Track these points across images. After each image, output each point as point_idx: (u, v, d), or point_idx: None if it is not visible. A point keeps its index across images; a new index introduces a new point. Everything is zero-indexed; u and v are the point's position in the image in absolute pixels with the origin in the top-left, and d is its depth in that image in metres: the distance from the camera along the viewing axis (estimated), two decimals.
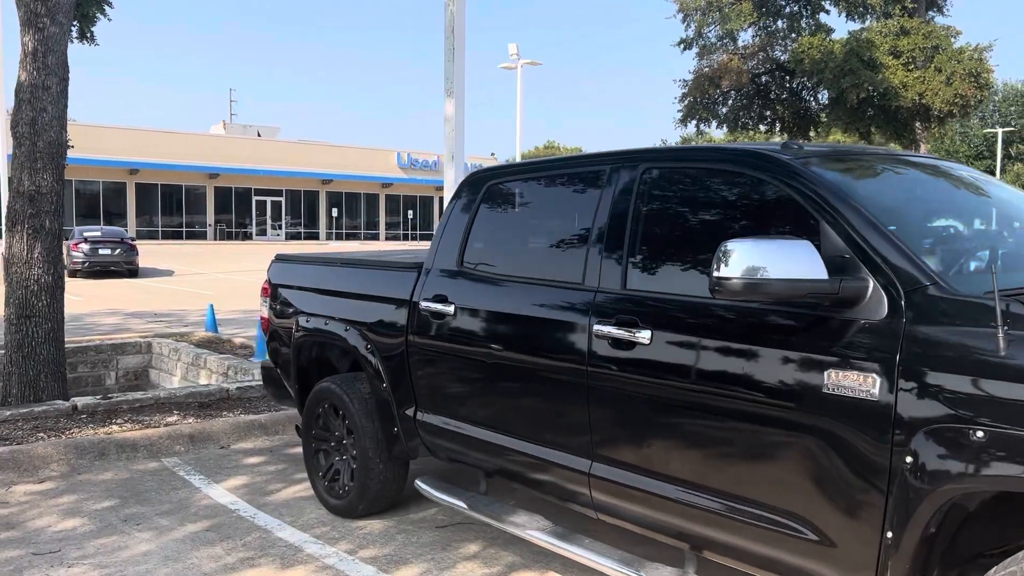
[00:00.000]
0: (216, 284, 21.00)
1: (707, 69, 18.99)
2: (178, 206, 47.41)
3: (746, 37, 19.83)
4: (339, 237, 52.14)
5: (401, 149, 54.13)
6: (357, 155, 52.42)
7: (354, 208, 53.72)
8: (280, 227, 50.92)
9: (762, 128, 20.00)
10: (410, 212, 55.65)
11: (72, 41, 7.90)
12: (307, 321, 4.75)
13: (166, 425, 6.20)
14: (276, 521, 4.55)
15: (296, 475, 5.35)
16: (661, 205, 3.12)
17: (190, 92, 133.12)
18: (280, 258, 5.33)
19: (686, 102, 19.66)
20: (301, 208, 51.82)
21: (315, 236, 51.76)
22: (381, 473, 4.34)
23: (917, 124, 17.61)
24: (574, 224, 3.44)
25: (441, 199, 56.35)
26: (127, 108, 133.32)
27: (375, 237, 53.87)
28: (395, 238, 54.48)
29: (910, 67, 17.27)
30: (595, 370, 3.07)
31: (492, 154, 59.46)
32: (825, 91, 18.07)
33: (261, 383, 7.28)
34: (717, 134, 21.22)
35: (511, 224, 3.82)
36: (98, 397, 6.76)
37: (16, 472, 5.27)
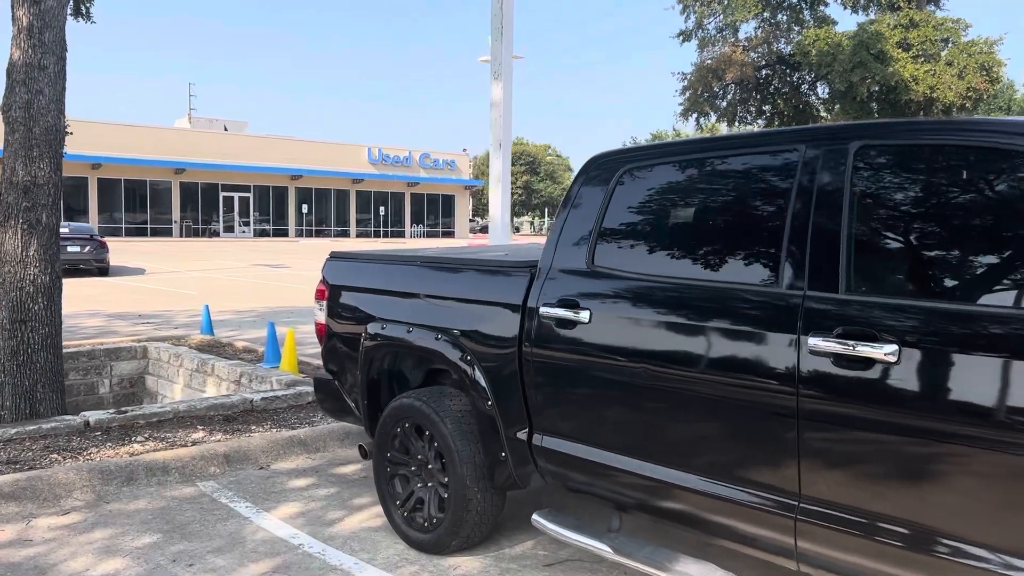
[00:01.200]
0: (194, 283, 20.13)
1: (710, 61, 18.58)
2: (142, 202, 46.00)
3: (748, 29, 19.58)
4: (308, 234, 51.08)
5: (372, 144, 53.22)
6: (327, 150, 51.41)
7: (324, 204, 52.68)
8: (248, 224, 49.72)
9: (760, 123, 19.70)
10: (381, 209, 54.74)
11: (67, 17, 7.19)
12: (382, 328, 4.16)
13: (194, 443, 5.55)
14: (351, 559, 3.96)
15: (355, 500, 4.76)
16: (894, 191, 2.60)
17: (147, 85, 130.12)
18: (338, 256, 4.73)
19: (687, 95, 19.25)
20: (269, 204, 50.66)
21: (284, 233, 50.65)
22: (479, 504, 3.77)
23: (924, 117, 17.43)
24: (754, 215, 2.91)
25: (413, 195, 55.64)
26: (84, 100, 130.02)
27: (345, 234, 52.90)
28: (366, 235, 53.56)
29: (919, 60, 17.08)
30: (809, 394, 2.55)
31: (464, 150, 58.77)
32: (827, 85, 17.83)
33: (288, 395, 6.66)
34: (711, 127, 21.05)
35: (660, 216, 3.27)
36: (111, 411, 6.07)
37: (36, 502, 4.60)
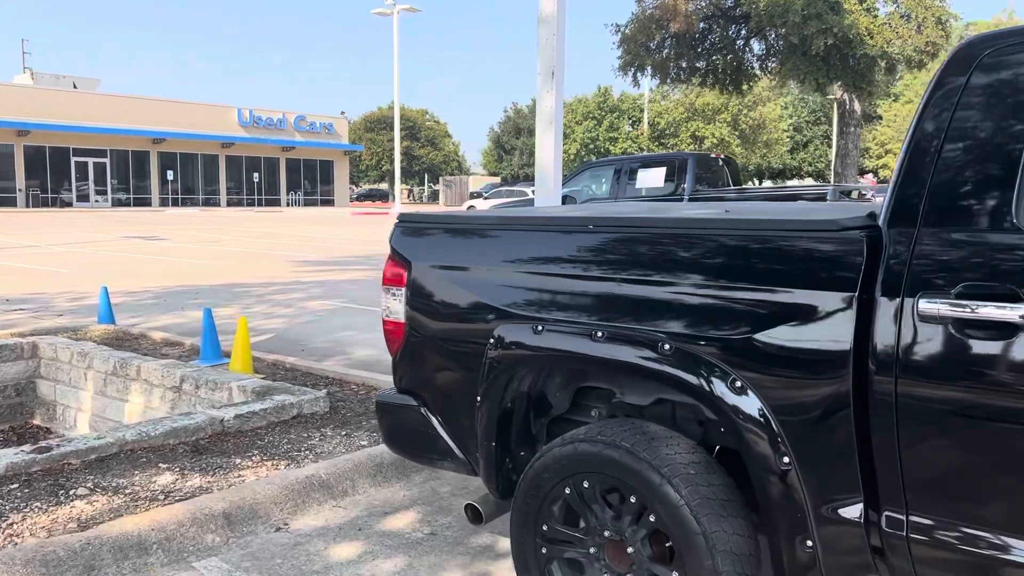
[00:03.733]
0: (63, 259, 17.37)
1: (653, 10, 17.31)
2: None
3: None
4: (174, 203, 47.13)
5: (242, 106, 49.55)
6: (192, 111, 47.42)
7: (191, 170, 48.71)
8: (105, 192, 45.29)
9: (694, 80, 18.71)
10: (255, 175, 51.21)
11: None
12: (536, 331, 2.64)
13: (166, 495, 3.84)
14: None
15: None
16: None
17: None
18: (427, 222, 3.15)
19: (625, 47, 17.89)
20: (129, 170, 46.31)
21: (146, 202, 46.51)
22: None
23: (878, 72, 17.01)
24: None
25: (288, 161, 52.31)
26: None
27: (215, 203, 49.19)
28: (238, 204, 50.02)
29: (874, 13, 16.57)
30: None
31: (342, 113, 55.80)
32: (765, 40, 17.06)
33: (266, 408, 5.02)
34: (649, 84, 19.72)
35: None
36: (26, 449, 4.22)
37: None
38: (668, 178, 11.22)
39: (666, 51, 17.17)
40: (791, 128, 44.36)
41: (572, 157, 37.56)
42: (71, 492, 3.85)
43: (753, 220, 2.33)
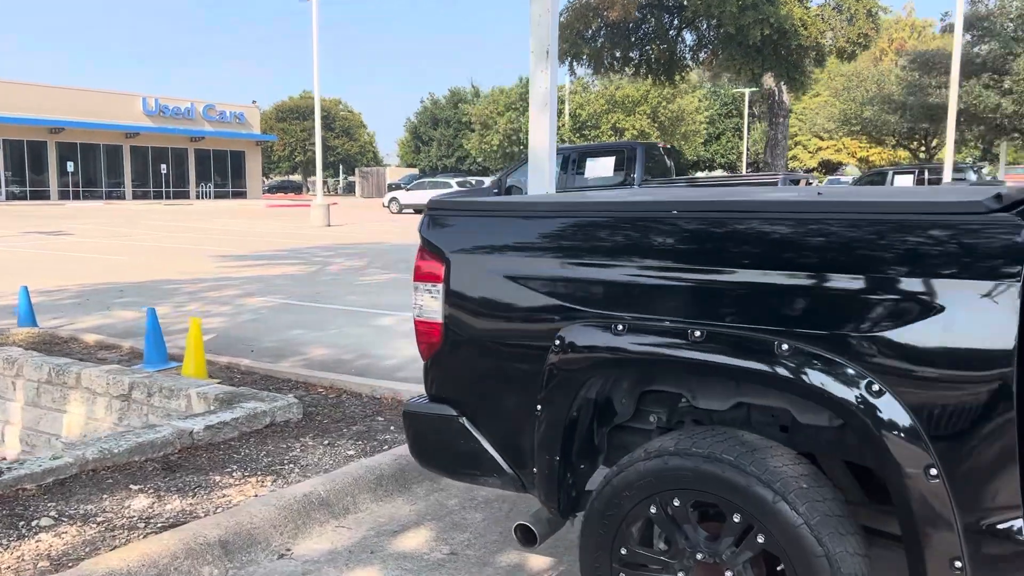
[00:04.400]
0: None
1: None
2: None
3: None
4: (75, 196, 44.72)
5: (148, 94, 47.37)
6: (94, 99, 45.06)
7: (92, 162, 46.30)
8: None
9: (628, 71, 18.59)
10: (162, 167, 49.05)
11: None
12: (616, 331, 2.34)
13: (146, 521, 3.39)
14: None
15: None
16: None
17: None
18: (462, 209, 2.81)
19: (562, 35, 17.63)
20: (24, 162, 43.69)
21: (44, 196, 43.98)
22: None
23: (808, 64, 17.26)
24: None
25: (197, 152, 50.29)
26: None
27: (120, 196, 46.91)
28: (145, 196, 47.85)
29: (807, 4, 16.78)
30: None
31: (253, 102, 54.02)
32: (697, 31, 17.11)
33: (237, 418, 4.59)
34: (583, 73, 19.49)
35: None
36: None
37: None
38: (617, 167, 11.06)
39: (601, 40, 17.04)
40: (706, 121, 45.21)
41: (495, 148, 37.31)
42: (33, 523, 3.36)
43: (889, 203, 2.09)
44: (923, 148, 36.97)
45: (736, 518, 2.20)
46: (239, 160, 53.07)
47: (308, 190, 66.91)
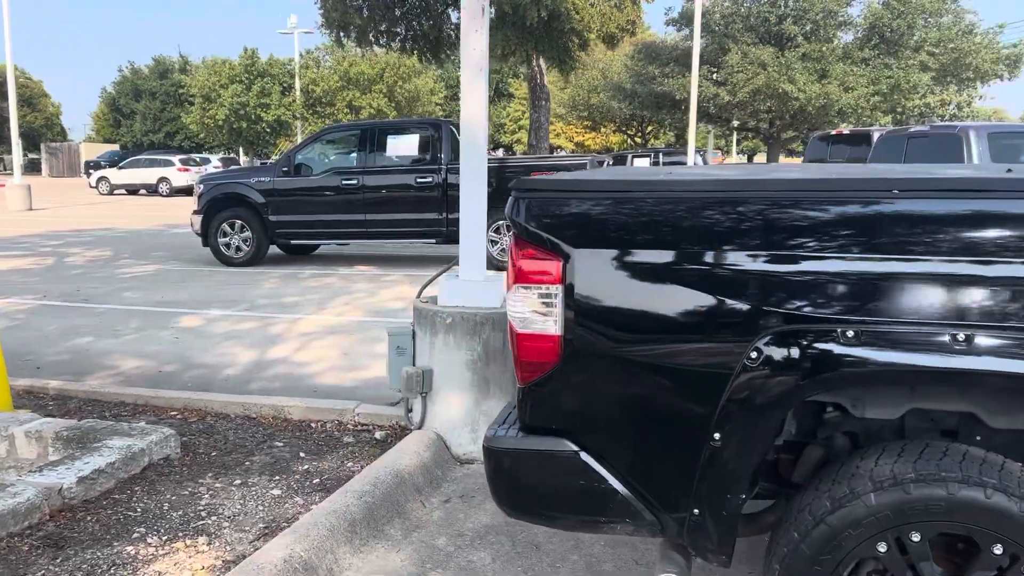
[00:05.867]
0: None
1: None
2: None
3: None
4: None
5: None
6: None
7: None
8: None
9: (394, 46, 17.61)
10: None
11: None
12: (845, 339, 1.92)
13: None
14: None
15: None
16: None
17: None
18: (580, 193, 2.19)
19: (327, 3, 16.07)
20: None
21: None
22: None
23: (573, 48, 17.44)
24: None
25: None
26: None
27: None
28: None
29: None
30: None
31: None
32: (459, 9, 16.56)
33: (115, 462, 3.61)
34: (349, 45, 17.87)
35: None
36: None
37: None
38: (423, 147, 10.45)
39: (367, 12, 16.11)
40: (442, 101, 45.39)
41: (220, 123, 34.46)
42: None
43: None
44: (639, 134, 40.11)
45: (997, 549, 1.90)
46: None
47: (12, 168, 57.54)
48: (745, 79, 24.21)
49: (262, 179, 10.87)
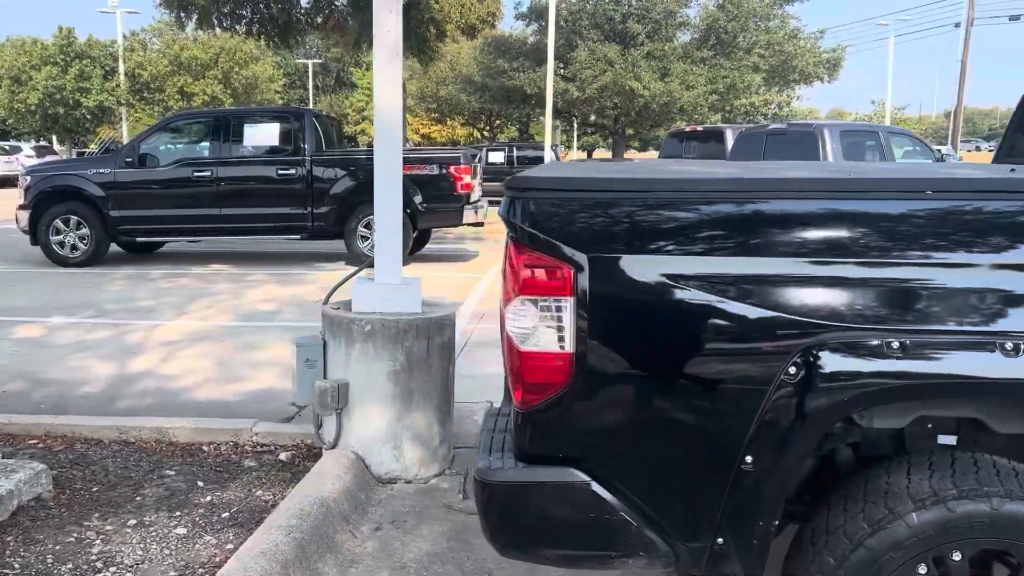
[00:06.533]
0: None
1: None
2: None
3: None
4: None
5: None
6: None
7: None
8: None
9: (239, 29, 16.37)
10: None
11: None
12: (890, 350, 1.79)
13: None
14: None
15: None
16: None
17: None
18: (592, 192, 1.94)
19: None
20: None
21: None
22: None
23: (431, 39, 16.86)
24: None
25: None
26: None
27: None
28: None
29: None
30: None
31: None
32: None
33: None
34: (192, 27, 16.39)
35: None
36: None
37: None
38: (284, 136, 9.80)
39: None
40: (281, 89, 43.57)
41: (33, 108, 31.43)
42: None
43: None
44: (488, 127, 40.10)
45: None
46: None
47: None
48: (593, 76, 24.68)
49: (101, 171, 9.87)
